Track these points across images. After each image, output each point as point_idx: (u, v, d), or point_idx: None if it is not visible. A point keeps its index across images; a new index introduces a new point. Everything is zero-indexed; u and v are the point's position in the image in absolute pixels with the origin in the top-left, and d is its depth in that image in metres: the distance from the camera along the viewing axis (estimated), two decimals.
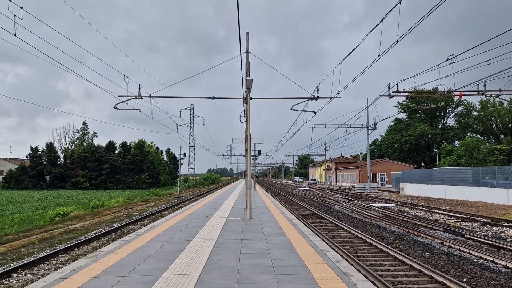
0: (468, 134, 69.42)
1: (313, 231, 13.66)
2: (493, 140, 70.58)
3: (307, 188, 61.51)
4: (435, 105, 46.41)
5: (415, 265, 8.95)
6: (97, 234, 14.68)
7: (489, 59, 16.43)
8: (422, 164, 73.95)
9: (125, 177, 78.72)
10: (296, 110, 18.39)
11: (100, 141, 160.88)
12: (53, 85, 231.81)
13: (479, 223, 17.47)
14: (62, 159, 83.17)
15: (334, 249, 10.67)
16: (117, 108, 18.34)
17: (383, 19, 11.21)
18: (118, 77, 17.56)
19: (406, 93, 23.02)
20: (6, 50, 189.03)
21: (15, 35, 11.35)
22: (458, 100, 69.56)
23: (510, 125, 68.55)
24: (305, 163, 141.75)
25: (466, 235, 13.58)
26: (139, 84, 17.57)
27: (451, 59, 16.24)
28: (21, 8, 11.15)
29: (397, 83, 21.28)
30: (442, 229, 15.20)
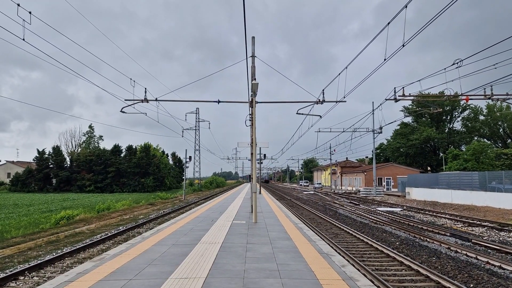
0: (475, 138, 68.99)
1: (319, 235, 13.61)
2: (500, 145, 70.11)
3: (312, 192, 61.33)
4: (441, 109, 46.22)
5: (421, 270, 8.89)
6: (103, 237, 14.72)
7: (496, 63, 16.34)
8: (428, 168, 73.49)
9: (131, 180, 78.97)
10: (302, 114, 18.41)
11: (109, 145, 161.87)
12: (63, 89, 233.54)
13: (486, 228, 17.31)
14: (68, 162, 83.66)
15: (340, 254, 10.63)
16: (123, 112, 18.50)
17: (389, 23, 11.23)
18: (128, 83, 17.71)
19: (412, 97, 22.94)
20: (17, 56, 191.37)
21: (23, 39, 11.50)
22: (464, 104, 69.21)
23: None
24: (310, 167, 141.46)
25: (473, 240, 13.46)
26: (145, 88, 17.70)
27: (457, 63, 16.18)
28: (30, 13, 11.29)
29: (403, 87, 21.20)
30: (448, 234, 15.08)
